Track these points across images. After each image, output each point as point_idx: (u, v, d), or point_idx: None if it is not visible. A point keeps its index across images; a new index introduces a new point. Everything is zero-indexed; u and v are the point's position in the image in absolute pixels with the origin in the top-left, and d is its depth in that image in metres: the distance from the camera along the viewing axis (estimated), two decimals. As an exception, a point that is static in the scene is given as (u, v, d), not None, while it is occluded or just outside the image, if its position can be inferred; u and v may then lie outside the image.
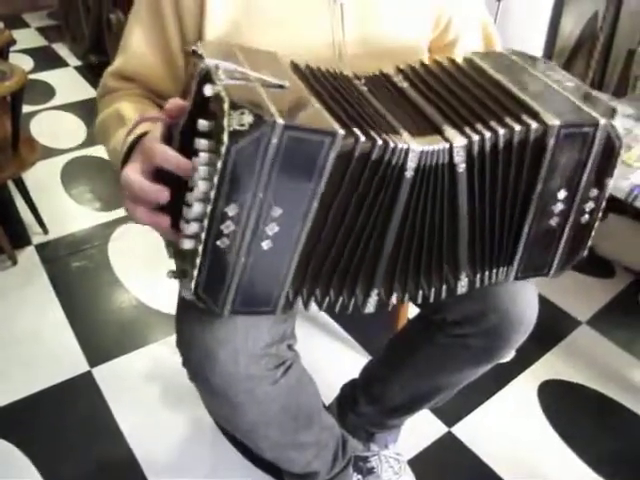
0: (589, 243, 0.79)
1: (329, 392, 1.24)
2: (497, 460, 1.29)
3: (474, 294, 0.80)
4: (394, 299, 0.73)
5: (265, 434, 0.92)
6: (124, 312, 1.63)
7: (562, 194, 0.71)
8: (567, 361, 1.52)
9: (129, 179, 0.61)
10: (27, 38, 3.32)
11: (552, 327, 1.64)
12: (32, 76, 2.91)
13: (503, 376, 1.47)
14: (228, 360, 0.78)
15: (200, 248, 0.59)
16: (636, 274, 1.81)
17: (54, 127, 2.52)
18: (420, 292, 0.74)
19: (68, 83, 2.91)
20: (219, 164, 0.55)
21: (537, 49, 2.12)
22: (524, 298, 0.91)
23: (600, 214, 0.76)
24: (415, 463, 1.26)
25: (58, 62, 3.13)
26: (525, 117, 0.65)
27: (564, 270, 0.80)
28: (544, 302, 1.69)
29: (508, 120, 0.65)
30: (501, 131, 0.64)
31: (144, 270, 1.75)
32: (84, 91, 2.83)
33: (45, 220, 1.88)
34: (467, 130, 0.65)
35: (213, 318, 0.78)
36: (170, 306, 1.62)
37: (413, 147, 0.62)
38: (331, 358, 1.50)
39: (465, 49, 0.94)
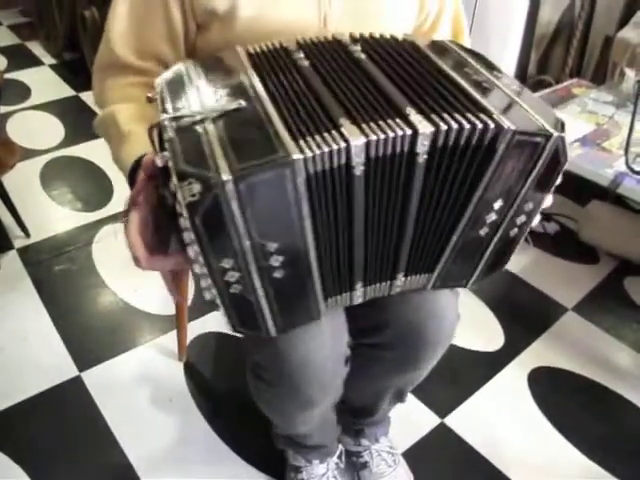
0: (511, 258, 0.76)
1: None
2: (490, 449, 1.30)
3: (380, 302, 0.78)
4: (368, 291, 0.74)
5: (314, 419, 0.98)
6: (111, 314, 1.61)
7: (498, 204, 0.66)
8: (555, 348, 1.54)
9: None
10: (-1, 36, 3.26)
11: (539, 314, 1.66)
12: (6, 75, 2.83)
13: (493, 365, 1.49)
14: (320, 367, 0.82)
15: (218, 300, 0.62)
16: (619, 259, 1.83)
17: (31, 127, 2.47)
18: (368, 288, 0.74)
19: (43, 82, 2.85)
20: (192, 235, 0.55)
21: (516, 37, 2.12)
22: (431, 309, 0.87)
23: (529, 229, 0.72)
24: (409, 455, 1.27)
25: (32, 61, 3.06)
26: (483, 116, 0.60)
27: (480, 281, 0.78)
28: (530, 290, 1.73)
29: (469, 116, 0.60)
30: (466, 125, 0.59)
31: (129, 271, 1.70)
32: (60, 90, 2.78)
33: (26, 223, 1.84)
34: (434, 117, 0.59)
35: (301, 333, 0.79)
36: (157, 307, 1.63)
37: (354, 142, 0.56)
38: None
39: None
